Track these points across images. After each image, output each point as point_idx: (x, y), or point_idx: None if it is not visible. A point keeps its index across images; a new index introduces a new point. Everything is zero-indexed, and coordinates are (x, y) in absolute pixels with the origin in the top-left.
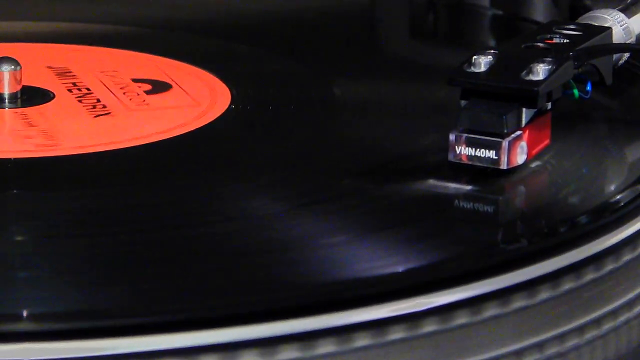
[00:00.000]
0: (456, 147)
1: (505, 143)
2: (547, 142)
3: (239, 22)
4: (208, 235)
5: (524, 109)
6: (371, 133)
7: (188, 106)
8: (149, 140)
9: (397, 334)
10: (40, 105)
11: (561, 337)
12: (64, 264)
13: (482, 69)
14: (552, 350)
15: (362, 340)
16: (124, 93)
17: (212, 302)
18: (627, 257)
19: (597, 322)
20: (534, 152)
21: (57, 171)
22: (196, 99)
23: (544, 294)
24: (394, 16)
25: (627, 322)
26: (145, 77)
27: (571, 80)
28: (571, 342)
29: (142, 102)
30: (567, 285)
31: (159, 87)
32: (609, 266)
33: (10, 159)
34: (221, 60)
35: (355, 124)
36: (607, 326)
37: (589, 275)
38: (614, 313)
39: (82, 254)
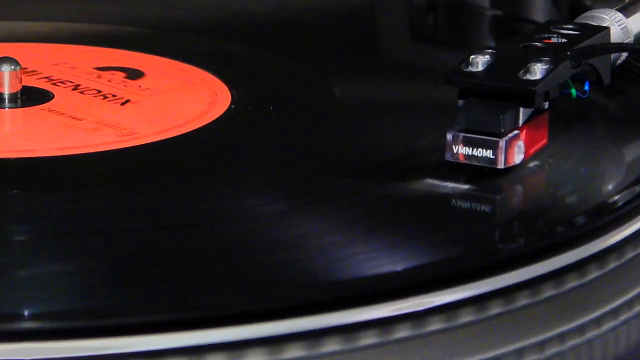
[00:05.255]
0: (453, 146)
1: (502, 142)
2: (544, 141)
3: (239, 22)
4: (210, 234)
5: (521, 109)
6: (371, 133)
7: (188, 87)
8: (148, 140)
9: (402, 332)
10: (53, 102)
11: (568, 333)
12: (64, 264)
13: (480, 68)
14: (570, 343)
15: (367, 339)
16: (109, 81)
17: (217, 300)
18: (629, 254)
19: (598, 320)
20: (532, 151)
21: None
22: (190, 81)
23: (547, 292)
24: (393, 16)
25: (627, 321)
26: (111, 65)
27: (569, 80)
28: (575, 340)
29: (138, 87)
30: (571, 283)
31: (132, 74)
32: (612, 264)
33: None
34: (221, 60)
35: (355, 124)
36: (607, 326)
37: (593, 274)
38: (615, 312)
39: (83, 254)
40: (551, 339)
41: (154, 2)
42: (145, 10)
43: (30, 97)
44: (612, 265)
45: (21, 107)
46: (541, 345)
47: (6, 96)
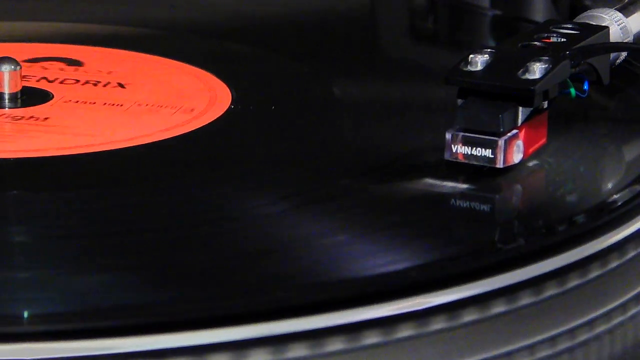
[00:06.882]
0: (452, 145)
1: (501, 142)
2: (543, 141)
3: (239, 22)
4: (213, 234)
5: (520, 108)
6: (370, 133)
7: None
8: (149, 140)
9: (405, 331)
10: (52, 102)
11: (571, 333)
12: (64, 264)
13: (479, 67)
14: (562, 346)
15: (370, 338)
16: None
17: (221, 300)
18: (631, 253)
19: (606, 315)
20: (531, 150)
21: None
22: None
23: (549, 291)
24: (393, 16)
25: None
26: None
27: (568, 80)
28: (582, 337)
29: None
30: (573, 282)
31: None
32: (614, 263)
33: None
34: (221, 60)
35: (355, 124)
36: (616, 321)
37: (594, 272)
38: (624, 307)
39: (83, 254)
40: (554, 337)
41: (153, 2)
42: (145, 10)
43: (30, 97)
44: (614, 264)
45: (21, 107)
46: (544, 343)
47: (6, 96)
